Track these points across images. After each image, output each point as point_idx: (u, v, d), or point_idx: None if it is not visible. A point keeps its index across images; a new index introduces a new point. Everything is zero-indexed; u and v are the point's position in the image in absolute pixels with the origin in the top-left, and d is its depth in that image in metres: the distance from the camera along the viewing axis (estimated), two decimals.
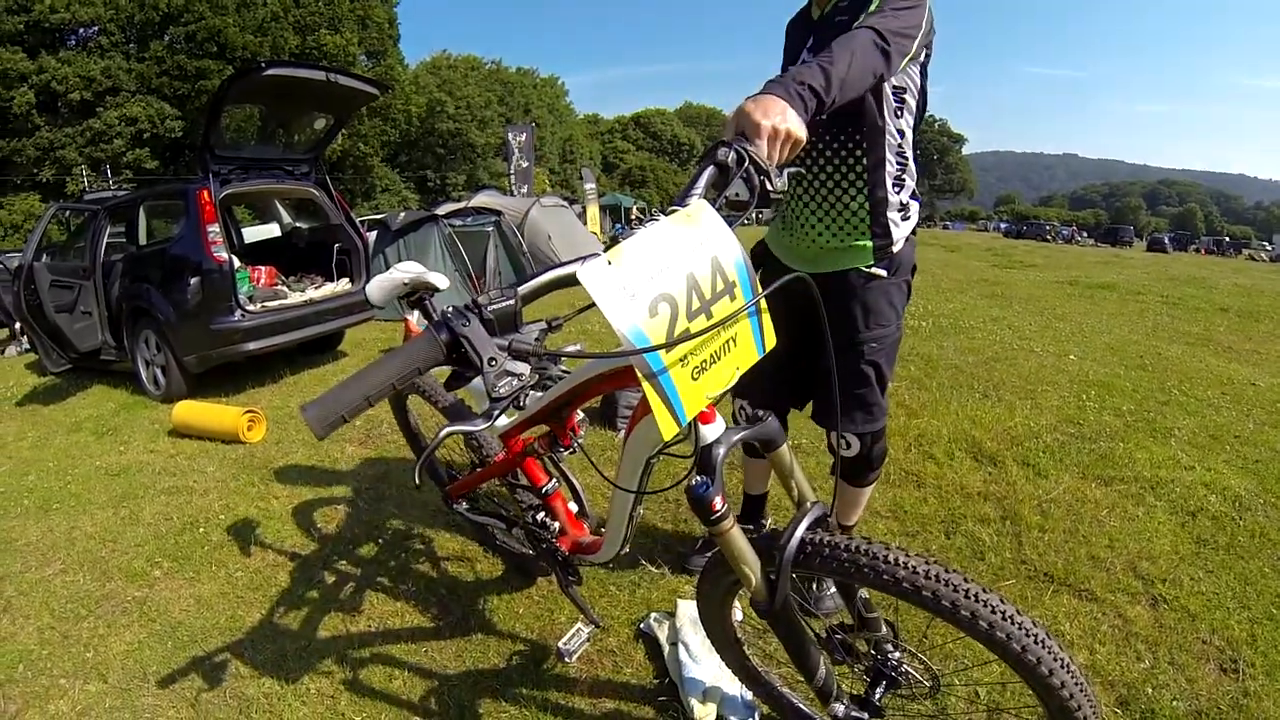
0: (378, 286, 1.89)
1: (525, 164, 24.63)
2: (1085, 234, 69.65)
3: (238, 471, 4.16)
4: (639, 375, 1.10)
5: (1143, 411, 4.71)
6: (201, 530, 3.43)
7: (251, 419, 4.66)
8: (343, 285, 6.89)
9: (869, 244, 2.10)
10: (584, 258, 1.11)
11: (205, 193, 5.71)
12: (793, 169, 1.41)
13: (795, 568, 1.34)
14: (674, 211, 1.17)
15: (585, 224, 19.24)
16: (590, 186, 26.18)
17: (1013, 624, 1.21)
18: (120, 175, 37.15)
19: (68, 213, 8.13)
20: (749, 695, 2.07)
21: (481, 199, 13.08)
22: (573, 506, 2.22)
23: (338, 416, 1.05)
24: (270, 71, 5.44)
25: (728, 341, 1.20)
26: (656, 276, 1.09)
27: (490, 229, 10.31)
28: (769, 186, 1.20)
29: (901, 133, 2.06)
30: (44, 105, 37.42)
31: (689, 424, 1.22)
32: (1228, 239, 74.12)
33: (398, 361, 1.10)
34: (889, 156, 2.05)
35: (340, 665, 2.38)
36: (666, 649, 2.29)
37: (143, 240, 6.51)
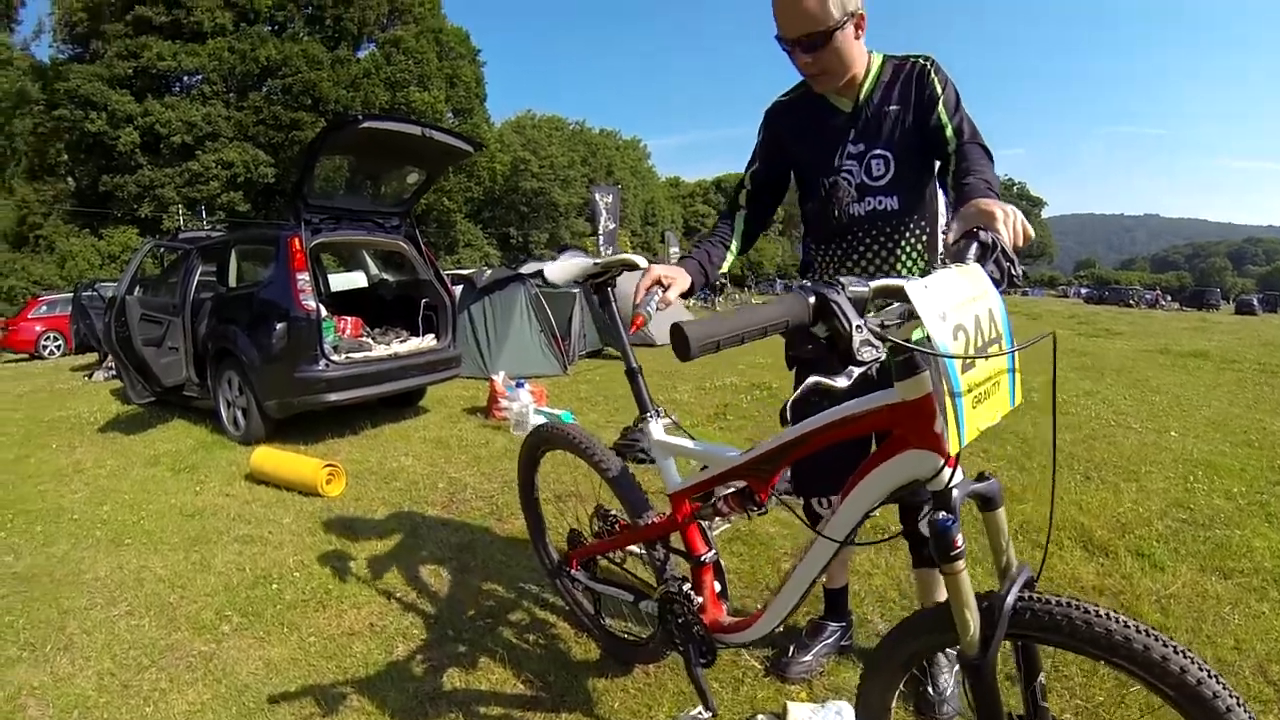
0: (560, 268, 2.16)
1: (612, 225, 24.69)
2: (1169, 297, 67.73)
3: (314, 526, 4.08)
4: (944, 388, 1.23)
5: (1254, 493, 4.42)
6: (275, 586, 3.34)
7: (331, 472, 4.62)
8: (428, 341, 6.94)
9: None
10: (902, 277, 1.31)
11: (297, 240, 5.82)
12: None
13: (1010, 626, 1.36)
14: (954, 266, 1.32)
15: None
16: (674, 250, 26.23)
17: (1218, 683, 1.21)
18: (214, 215, 39.06)
19: (162, 249, 8.44)
20: None
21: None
22: (716, 585, 2.10)
23: (712, 341, 1.22)
24: (366, 124, 5.54)
25: (995, 384, 1.35)
26: (955, 310, 1.23)
27: (577, 291, 10.39)
28: (1014, 271, 1.40)
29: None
30: (147, 145, 39.89)
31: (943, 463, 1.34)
32: None
33: (769, 310, 1.23)
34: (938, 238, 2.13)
35: None
36: None
37: (232, 282, 6.71)
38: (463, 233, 51.09)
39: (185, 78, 42.16)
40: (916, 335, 1.26)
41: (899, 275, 2.06)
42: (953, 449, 1.27)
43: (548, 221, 56.08)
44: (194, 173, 40.14)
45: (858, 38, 1.94)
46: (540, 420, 6.19)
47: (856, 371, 1.22)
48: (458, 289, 9.97)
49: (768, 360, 10.28)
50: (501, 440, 5.80)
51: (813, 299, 1.21)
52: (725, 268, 2.15)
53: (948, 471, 1.33)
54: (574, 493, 2.78)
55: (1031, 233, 1.48)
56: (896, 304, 1.28)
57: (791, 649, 2.54)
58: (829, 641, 2.59)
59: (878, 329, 1.22)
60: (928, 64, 2.01)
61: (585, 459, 2.37)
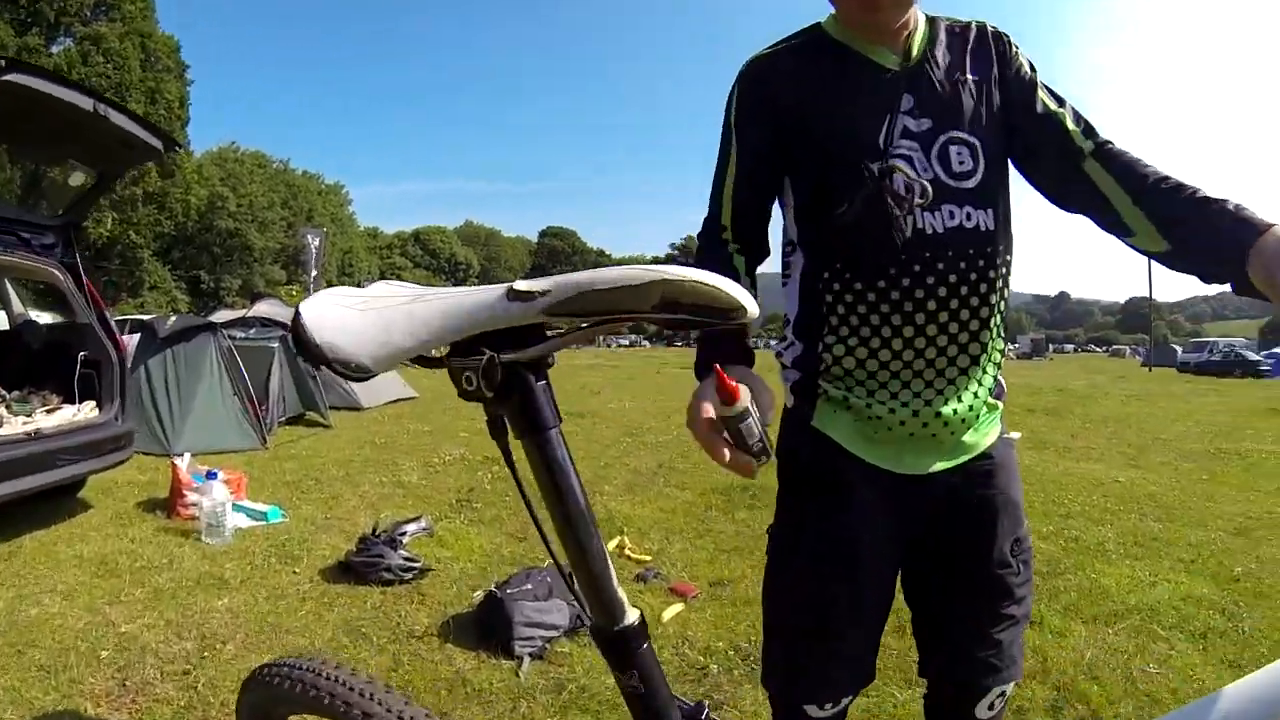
0: (386, 336, 0.73)
1: (316, 271, 23.22)
2: None
3: None
4: None
5: (1063, 531, 4.88)
6: None
7: None
8: (87, 411, 4.93)
9: (999, 403, 1.42)
10: None
11: None
12: None
13: None
14: None
15: None
16: None
17: None
18: None
19: None
20: None
21: (263, 308, 11.40)
22: None
23: None
24: (12, 77, 3.79)
25: None
26: None
27: (275, 344, 8.91)
28: None
29: None
30: None
31: None
32: None
33: None
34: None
35: None
36: None
37: None
38: (150, 273, 44.65)
39: None
40: None
41: (985, 352, 1.33)
42: None
43: (241, 267, 51.53)
44: None
45: None
46: (241, 520, 4.63)
47: None
48: (134, 339, 8.03)
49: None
50: (191, 556, 4.09)
51: None
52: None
53: None
54: None
55: None
56: None
57: None
58: None
59: None
60: (1001, 32, 1.38)
61: None
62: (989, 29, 1.37)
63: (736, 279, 1.22)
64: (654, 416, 10.89)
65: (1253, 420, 12.15)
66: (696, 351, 1.28)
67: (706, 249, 1.40)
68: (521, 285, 0.68)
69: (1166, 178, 1.19)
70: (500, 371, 0.72)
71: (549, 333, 0.75)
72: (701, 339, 1.31)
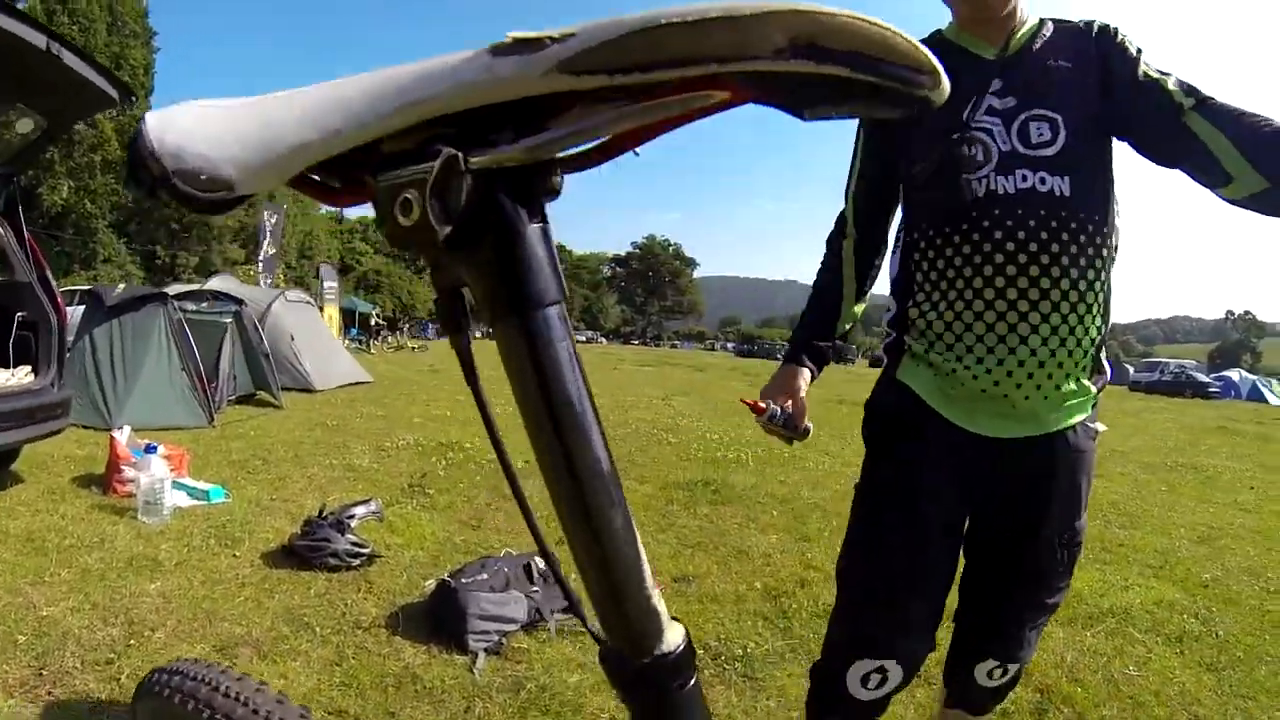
0: (264, 131, 0.40)
1: (273, 250, 22.74)
2: None
3: None
4: None
5: None
6: None
7: None
8: (22, 376, 4.59)
9: (1092, 387, 1.49)
10: None
11: None
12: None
13: None
14: None
15: None
16: (330, 285, 24.17)
17: None
18: None
19: None
20: None
21: (218, 283, 11.06)
22: None
23: None
24: None
25: None
26: None
27: (229, 320, 8.53)
28: None
29: None
30: None
31: None
32: None
33: None
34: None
35: None
36: None
37: None
38: (104, 245, 43.10)
39: None
40: None
41: (1060, 315, 1.38)
42: None
43: (199, 244, 49.87)
44: None
45: None
46: (180, 498, 4.32)
47: None
48: (78, 311, 7.52)
49: (447, 411, 9.31)
50: (124, 535, 3.79)
51: None
52: (844, 326, 1.74)
53: None
54: None
55: None
56: None
57: None
58: None
59: None
60: (1109, 25, 1.49)
61: None
62: (1097, 24, 1.49)
63: (837, 278, 1.70)
64: (612, 410, 10.75)
65: (1204, 437, 12.54)
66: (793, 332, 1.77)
67: (829, 239, 1.73)
68: (522, 33, 0.37)
69: (1270, 120, 1.23)
70: (466, 189, 0.40)
71: (553, 123, 0.41)
72: (800, 327, 1.73)
